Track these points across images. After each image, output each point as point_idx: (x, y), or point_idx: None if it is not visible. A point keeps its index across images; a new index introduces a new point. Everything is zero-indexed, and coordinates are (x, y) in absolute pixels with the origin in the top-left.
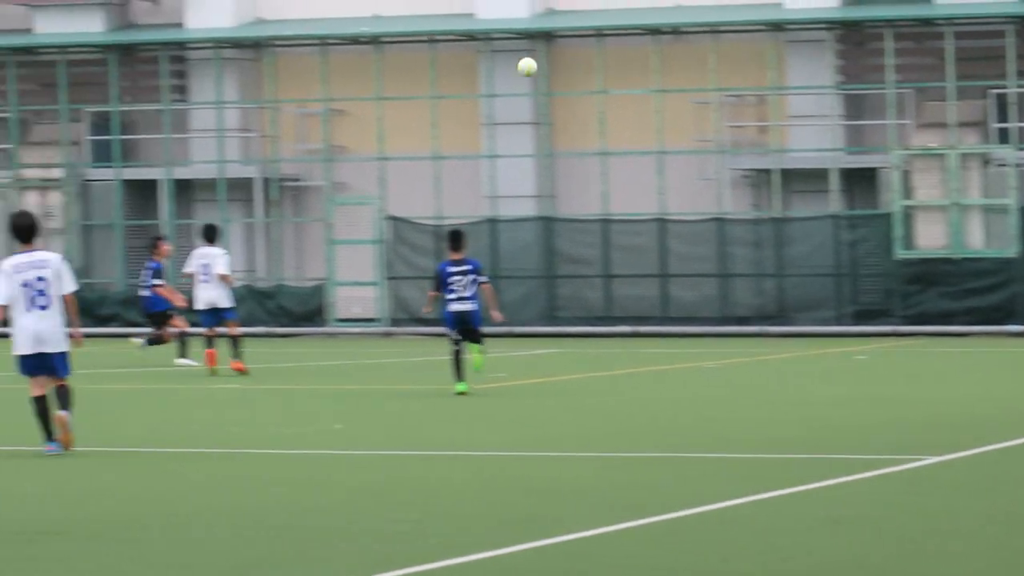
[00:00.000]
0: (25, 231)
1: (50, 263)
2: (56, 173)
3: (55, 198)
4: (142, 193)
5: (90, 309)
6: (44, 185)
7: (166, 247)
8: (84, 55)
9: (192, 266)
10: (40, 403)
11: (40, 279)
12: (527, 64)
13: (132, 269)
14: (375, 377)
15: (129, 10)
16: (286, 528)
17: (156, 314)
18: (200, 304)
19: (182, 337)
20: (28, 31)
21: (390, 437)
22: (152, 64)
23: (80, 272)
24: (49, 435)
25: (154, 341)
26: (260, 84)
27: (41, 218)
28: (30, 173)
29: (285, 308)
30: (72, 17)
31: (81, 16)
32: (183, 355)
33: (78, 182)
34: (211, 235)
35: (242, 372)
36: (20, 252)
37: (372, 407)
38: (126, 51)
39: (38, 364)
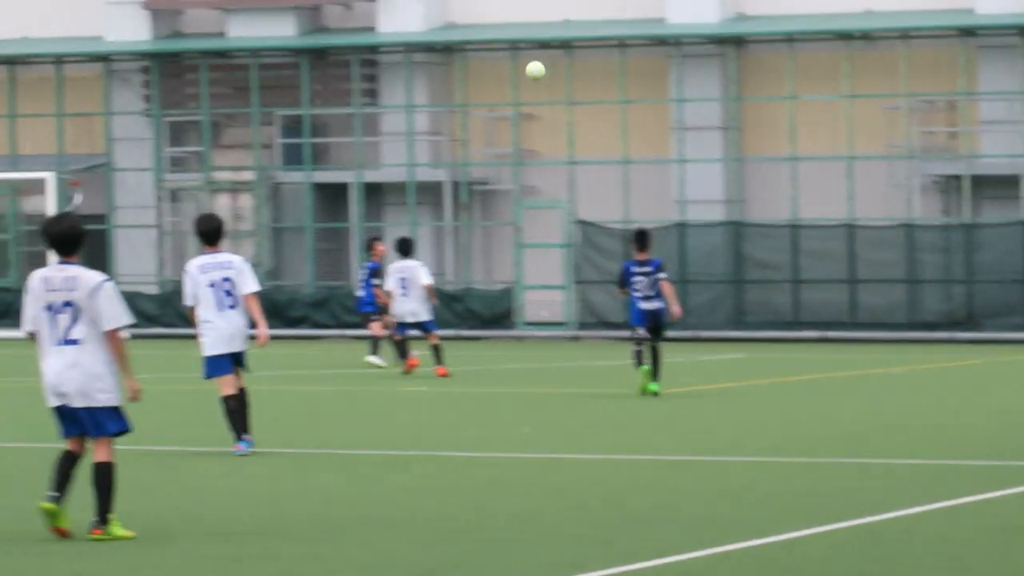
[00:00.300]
0: (211, 234)
1: (234, 264)
2: (247, 176)
3: (246, 200)
4: (332, 196)
5: (280, 311)
6: (235, 188)
7: (381, 247)
8: (276, 58)
9: (390, 282)
10: (230, 401)
11: (226, 279)
12: (535, 68)
13: (321, 272)
14: (562, 380)
15: (321, 14)
16: (475, 530)
17: (366, 314)
18: (403, 317)
19: (376, 339)
20: (221, 35)
21: (577, 440)
22: (343, 68)
23: (270, 274)
24: (239, 434)
25: (379, 345)
26: (450, 88)
27: (232, 220)
28: (222, 176)
29: (473, 311)
30: (264, 21)
31: (273, 20)
32: (374, 353)
33: (269, 185)
34: (406, 248)
35: (445, 376)
36: (205, 253)
37: (559, 410)
38: (318, 55)
39: (227, 363)
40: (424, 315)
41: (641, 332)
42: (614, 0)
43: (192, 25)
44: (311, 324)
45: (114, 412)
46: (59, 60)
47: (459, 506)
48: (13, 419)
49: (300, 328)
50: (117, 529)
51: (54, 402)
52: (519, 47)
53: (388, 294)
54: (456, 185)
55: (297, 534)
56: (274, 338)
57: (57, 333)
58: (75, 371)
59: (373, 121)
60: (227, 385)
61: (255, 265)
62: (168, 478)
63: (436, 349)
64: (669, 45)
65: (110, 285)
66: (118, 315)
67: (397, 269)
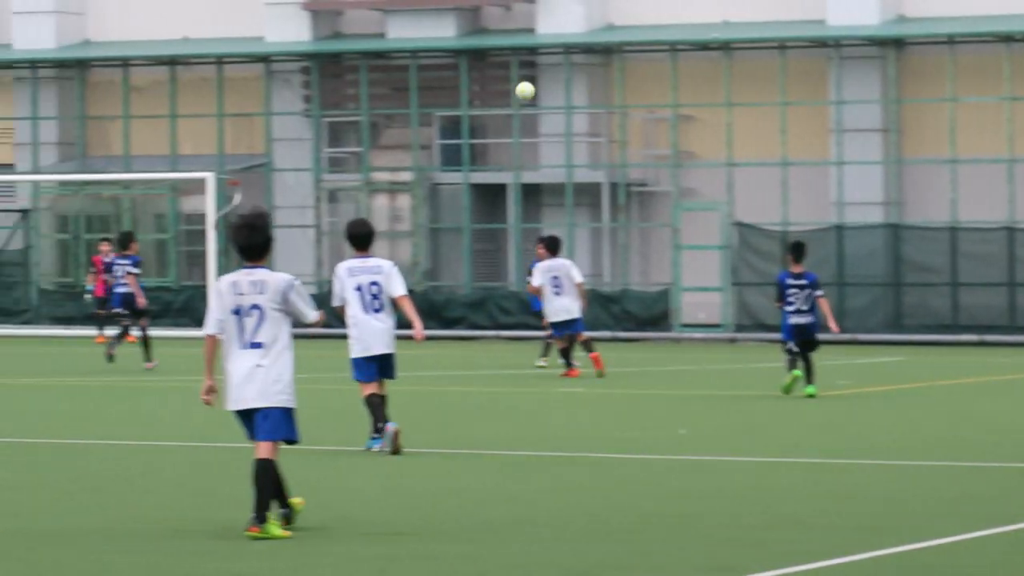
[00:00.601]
0: (362, 239)
1: (383, 268)
2: (405, 176)
3: (404, 201)
4: (490, 197)
5: (437, 311)
6: (393, 188)
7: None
8: (435, 59)
9: (540, 279)
10: (373, 399)
11: (374, 283)
12: (526, 89)
13: (478, 273)
14: (719, 383)
15: (481, 15)
16: (629, 532)
17: (535, 313)
18: (555, 315)
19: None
20: (381, 36)
21: (732, 443)
22: (502, 69)
23: (427, 275)
24: (378, 431)
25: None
26: (609, 89)
27: (389, 221)
28: (380, 176)
29: (630, 313)
30: (424, 22)
31: (433, 21)
32: (545, 354)
33: (427, 185)
34: (555, 246)
35: (598, 364)
36: (354, 257)
37: (715, 413)
38: (477, 56)
39: (373, 366)
40: (576, 312)
41: (791, 347)
42: (774, 1)
43: (352, 26)
44: (468, 325)
45: (289, 417)
46: (220, 61)
47: (613, 507)
48: (179, 418)
49: (457, 329)
50: (275, 528)
51: (237, 406)
52: (678, 48)
53: (538, 292)
54: (614, 186)
55: (452, 534)
56: (430, 339)
57: (243, 336)
58: (258, 373)
59: (532, 122)
60: (369, 387)
61: (413, 265)
62: (327, 478)
63: (586, 343)
64: (829, 47)
65: (299, 283)
66: (309, 310)
67: (547, 267)
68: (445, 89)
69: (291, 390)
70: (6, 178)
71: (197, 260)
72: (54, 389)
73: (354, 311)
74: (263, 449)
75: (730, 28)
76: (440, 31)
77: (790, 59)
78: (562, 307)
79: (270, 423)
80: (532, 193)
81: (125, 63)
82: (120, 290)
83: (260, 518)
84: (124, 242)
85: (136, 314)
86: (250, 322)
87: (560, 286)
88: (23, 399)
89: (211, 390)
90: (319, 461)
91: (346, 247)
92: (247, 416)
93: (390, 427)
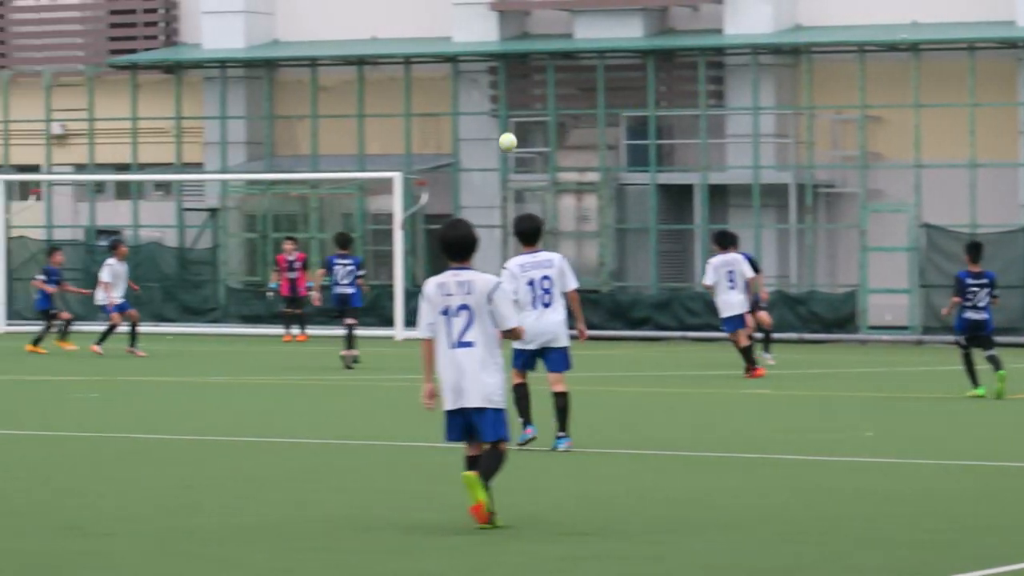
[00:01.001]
0: (530, 234)
1: (554, 262)
2: (592, 177)
3: (590, 201)
4: (676, 197)
5: (622, 312)
6: (580, 189)
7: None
8: (622, 60)
9: (713, 276)
10: (520, 390)
11: (545, 278)
12: (507, 141)
13: (665, 273)
14: (906, 385)
15: (668, 16)
16: (813, 534)
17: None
18: (728, 310)
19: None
20: (568, 36)
21: (919, 445)
22: (690, 69)
23: (613, 275)
24: (527, 420)
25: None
26: (797, 90)
27: (576, 222)
28: (566, 177)
29: (817, 314)
30: (611, 22)
31: (620, 21)
32: (766, 350)
33: (614, 186)
34: (728, 241)
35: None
36: (524, 253)
37: (902, 415)
38: (664, 56)
39: (534, 357)
40: (747, 307)
41: (962, 340)
42: (963, 2)
43: (539, 26)
44: (654, 326)
45: (503, 415)
46: (407, 61)
47: (797, 509)
48: (367, 416)
49: (643, 329)
50: (498, 521)
51: (454, 405)
52: (866, 49)
53: (711, 289)
54: (801, 188)
55: (637, 535)
56: (616, 339)
57: (452, 336)
58: (470, 373)
59: (718, 123)
60: (520, 375)
61: (599, 266)
62: (515, 478)
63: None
64: (1019, 48)
65: (504, 288)
66: (511, 317)
67: (721, 263)
68: (632, 89)
69: (502, 391)
70: (195, 177)
71: (384, 260)
72: (242, 387)
73: (524, 305)
74: (491, 447)
75: (918, 29)
76: (627, 31)
77: (979, 60)
78: (736, 302)
79: (488, 424)
80: (719, 194)
81: (313, 63)
82: (339, 291)
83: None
84: (343, 242)
85: (346, 313)
86: (459, 322)
87: (734, 281)
88: (211, 397)
89: (432, 394)
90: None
91: None
92: (458, 415)
93: (531, 431)
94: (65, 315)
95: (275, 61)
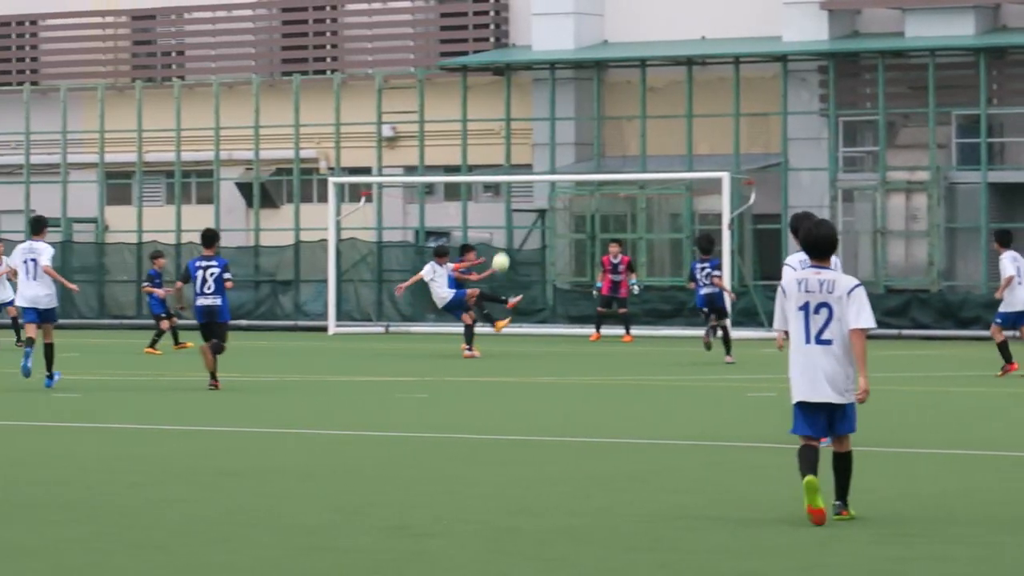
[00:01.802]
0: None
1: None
2: (922, 175)
3: (920, 200)
4: (1007, 196)
5: (952, 311)
6: (910, 188)
7: None
8: (954, 58)
9: (1011, 269)
10: None
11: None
12: (500, 262)
13: (995, 273)
14: None
15: (1000, 13)
16: None
17: None
18: (1012, 305)
19: None
20: (899, 35)
21: None
22: (1022, 67)
23: (943, 275)
24: None
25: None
26: None
27: (905, 221)
28: (895, 176)
29: None
30: (943, 20)
31: (952, 19)
32: None
33: (944, 185)
34: (1007, 240)
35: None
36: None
37: None
38: (996, 54)
39: None
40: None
41: None
42: None
43: (870, 25)
44: (983, 325)
45: (854, 409)
46: (737, 60)
47: None
48: (692, 416)
49: (972, 329)
50: (852, 512)
51: (804, 397)
52: None
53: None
54: None
55: (964, 536)
56: (946, 339)
57: (811, 333)
58: (827, 369)
59: None
60: None
61: (928, 265)
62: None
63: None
64: None
65: (862, 289)
66: (867, 317)
67: (1013, 257)
68: (963, 87)
69: (854, 385)
70: (524, 178)
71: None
72: (570, 388)
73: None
74: (842, 444)
75: None
76: (959, 29)
77: None
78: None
79: (841, 418)
80: None
81: (642, 63)
82: (704, 291)
83: (845, 503)
84: (706, 246)
85: (719, 313)
86: (818, 319)
87: (1022, 276)
88: (539, 397)
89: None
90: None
91: (860, 247)
92: (809, 408)
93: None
94: (165, 324)
95: (604, 62)
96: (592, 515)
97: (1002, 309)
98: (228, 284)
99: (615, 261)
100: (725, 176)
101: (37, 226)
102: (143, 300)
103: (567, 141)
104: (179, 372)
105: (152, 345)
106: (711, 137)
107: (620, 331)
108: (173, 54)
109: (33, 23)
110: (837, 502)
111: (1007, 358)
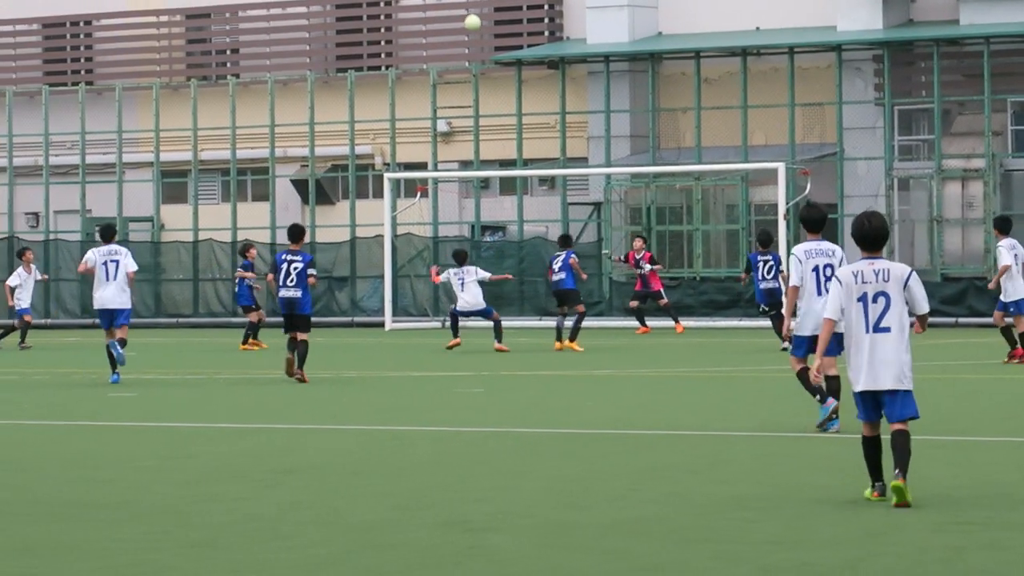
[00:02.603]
0: (815, 222)
1: (836, 253)
2: (977, 163)
3: (976, 188)
4: None
5: None
6: (965, 176)
7: None
8: (1009, 45)
9: (1007, 258)
10: (803, 375)
11: (828, 266)
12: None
13: None
14: None
15: None
16: None
17: None
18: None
19: None
20: (954, 22)
21: None
22: None
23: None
24: (823, 396)
25: None
26: None
27: (961, 209)
28: (951, 164)
29: None
30: (998, 7)
31: (1007, 6)
32: None
33: (1000, 172)
34: (1006, 227)
35: None
36: (809, 240)
37: None
38: None
39: (805, 343)
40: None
41: None
42: None
43: (924, 13)
44: None
45: (912, 396)
46: (791, 51)
47: None
48: (745, 407)
49: None
50: (908, 493)
51: (865, 386)
52: None
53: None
54: None
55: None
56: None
57: (869, 322)
58: (887, 357)
59: None
60: (796, 363)
61: (985, 253)
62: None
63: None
64: None
65: (915, 274)
66: (925, 301)
67: (1011, 245)
68: (1019, 75)
69: (911, 372)
70: (579, 172)
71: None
72: (628, 380)
73: (807, 292)
74: (904, 424)
75: None
76: (1014, 16)
77: None
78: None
79: (902, 405)
80: None
81: (697, 55)
82: (763, 286)
83: (903, 473)
84: (766, 241)
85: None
86: (876, 309)
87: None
88: (595, 391)
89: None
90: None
91: (917, 235)
92: (870, 396)
93: (832, 401)
94: (254, 317)
95: (659, 54)
96: (647, 507)
97: (1003, 299)
98: (311, 279)
99: (638, 257)
100: (780, 166)
101: (109, 233)
102: (201, 299)
103: (622, 134)
104: (236, 370)
105: (245, 341)
106: (766, 127)
107: (670, 323)
108: (228, 52)
109: (88, 23)
110: (897, 470)
111: (1012, 343)
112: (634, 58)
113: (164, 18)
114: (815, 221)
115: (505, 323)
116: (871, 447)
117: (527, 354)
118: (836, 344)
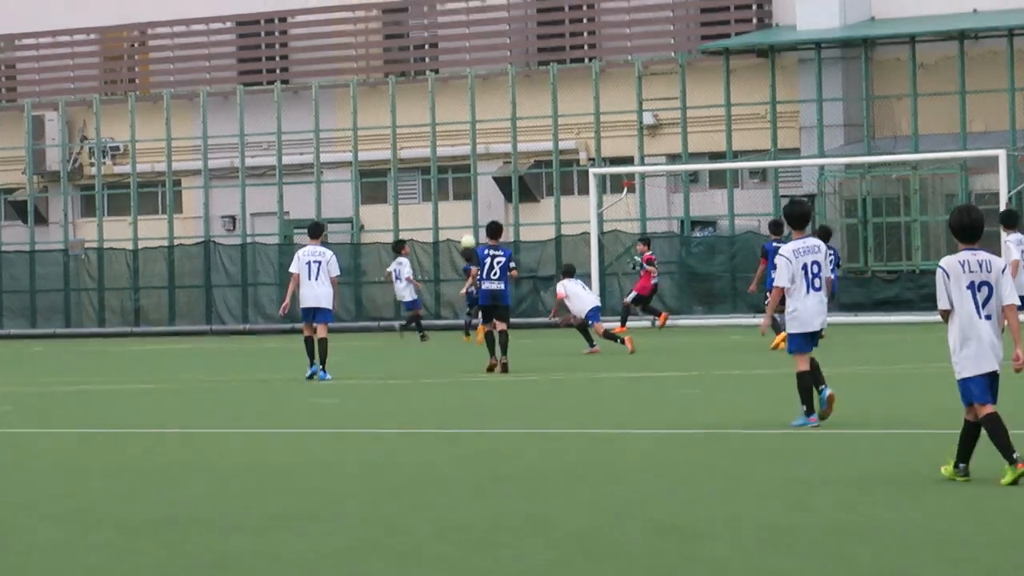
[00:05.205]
0: (800, 219)
1: (820, 248)
2: None
3: None
4: None
5: None
6: None
7: None
8: None
9: (1016, 253)
10: (805, 378)
11: (815, 263)
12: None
13: None
14: None
15: None
16: None
17: None
18: None
19: None
20: None
21: None
22: None
23: None
24: (810, 409)
25: None
26: None
27: None
28: None
29: None
30: None
31: None
32: None
33: None
34: (1013, 221)
35: None
36: (797, 238)
37: None
38: None
39: (807, 343)
40: None
41: None
42: None
43: None
44: None
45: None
46: (1011, 33)
47: None
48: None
49: None
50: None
51: (978, 370)
52: None
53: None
54: None
55: None
56: None
57: (979, 309)
58: (992, 342)
59: None
60: (803, 362)
61: None
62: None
63: None
64: None
65: (1009, 268)
66: (1013, 293)
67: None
68: None
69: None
70: (791, 163)
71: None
72: (845, 377)
73: (797, 290)
74: (993, 405)
75: None
76: None
77: None
78: None
79: (998, 386)
80: None
81: (912, 40)
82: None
83: (1012, 459)
84: (1010, 221)
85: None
86: (981, 296)
87: None
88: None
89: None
90: None
91: None
92: (983, 379)
93: (815, 420)
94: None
95: (872, 39)
96: (871, 513)
97: None
98: (513, 273)
99: (637, 257)
100: (1001, 154)
101: (317, 230)
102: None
103: (835, 123)
104: (434, 375)
105: (467, 333)
106: (985, 113)
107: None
108: (426, 47)
109: (282, 20)
110: (1016, 454)
111: None
112: (846, 44)
113: (360, 13)
114: (799, 217)
115: (717, 320)
116: (977, 430)
117: (746, 352)
118: (806, 342)
